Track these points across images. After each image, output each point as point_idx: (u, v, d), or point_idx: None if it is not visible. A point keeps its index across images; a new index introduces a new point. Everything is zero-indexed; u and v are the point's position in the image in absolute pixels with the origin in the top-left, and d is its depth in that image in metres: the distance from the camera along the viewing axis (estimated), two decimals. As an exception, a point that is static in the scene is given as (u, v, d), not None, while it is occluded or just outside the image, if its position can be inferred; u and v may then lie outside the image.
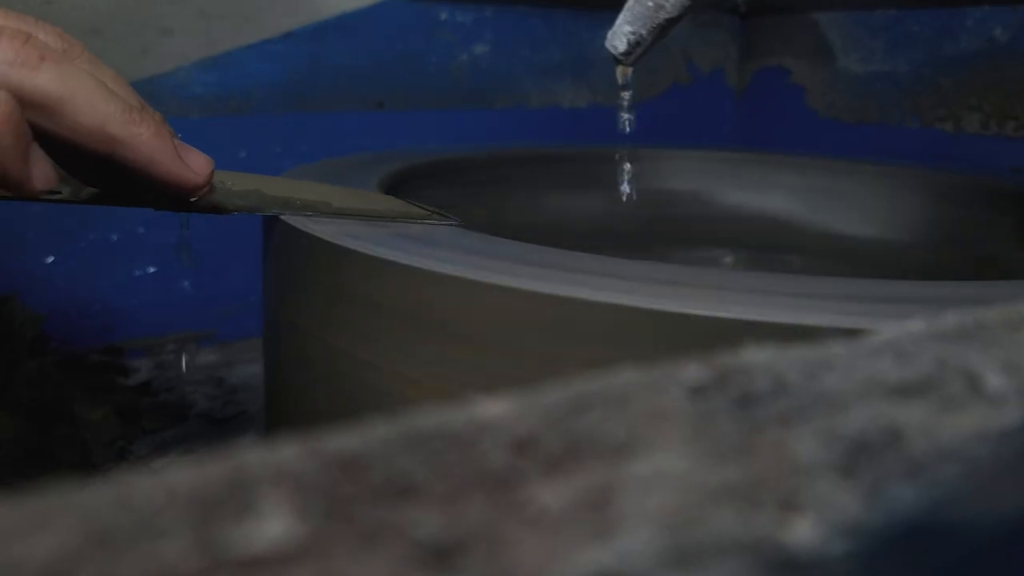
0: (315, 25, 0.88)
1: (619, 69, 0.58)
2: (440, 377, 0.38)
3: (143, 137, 0.42)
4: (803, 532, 0.13)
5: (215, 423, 0.70)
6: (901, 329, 0.20)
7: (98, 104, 0.41)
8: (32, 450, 0.62)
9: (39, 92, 0.39)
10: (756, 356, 0.18)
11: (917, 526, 0.14)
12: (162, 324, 0.85)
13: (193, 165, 0.44)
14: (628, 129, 0.60)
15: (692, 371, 0.17)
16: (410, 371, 0.39)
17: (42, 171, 0.40)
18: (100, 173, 0.44)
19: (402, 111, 0.94)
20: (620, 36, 0.56)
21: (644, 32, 0.55)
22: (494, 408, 0.16)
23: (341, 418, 0.43)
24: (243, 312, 0.88)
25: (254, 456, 0.14)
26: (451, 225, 0.50)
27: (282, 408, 0.50)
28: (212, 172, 0.45)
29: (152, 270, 0.84)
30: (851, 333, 0.20)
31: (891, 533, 0.13)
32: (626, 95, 0.60)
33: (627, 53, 0.57)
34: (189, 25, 0.78)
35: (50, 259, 0.79)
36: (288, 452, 0.14)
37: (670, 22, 0.56)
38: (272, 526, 0.12)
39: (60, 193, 0.43)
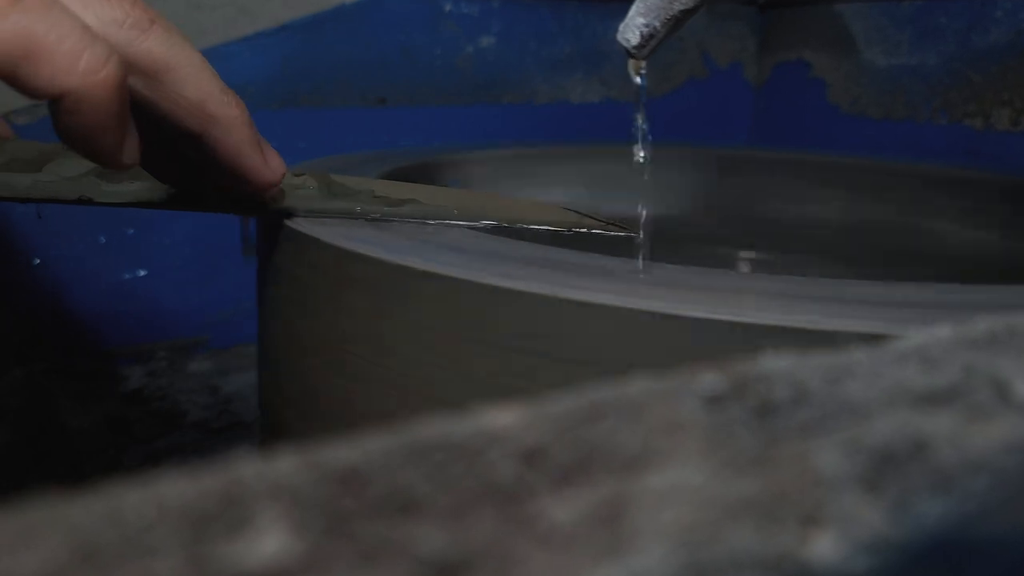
0: (312, 16, 0.88)
1: (631, 63, 0.58)
2: (451, 388, 0.38)
3: (237, 121, 0.42)
4: (825, 548, 0.13)
5: (209, 433, 0.70)
6: (927, 335, 0.20)
7: (202, 78, 0.40)
8: (18, 460, 0.62)
9: (148, 57, 0.39)
10: (775, 363, 0.18)
11: (945, 541, 0.14)
12: (153, 330, 0.86)
13: (270, 161, 0.44)
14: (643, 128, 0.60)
15: (708, 379, 0.17)
16: (418, 382, 0.39)
17: (132, 145, 0.38)
18: (172, 160, 0.44)
19: (405, 107, 0.94)
20: (633, 28, 0.56)
21: (658, 24, 0.55)
22: (501, 418, 0.16)
23: (340, 429, 0.43)
24: (237, 318, 0.88)
25: (249, 469, 0.14)
26: (631, 236, 0.50)
27: (278, 418, 0.50)
28: (284, 174, 0.45)
29: (143, 273, 0.84)
30: (875, 339, 0.20)
31: (917, 549, 0.13)
32: (637, 79, 0.60)
33: (640, 46, 0.57)
34: (180, 16, 0.78)
35: (36, 261, 0.79)
36: (285, 465, 0.14)
37: (685, 14, 0.56)
38: (268, 543, 0.12)
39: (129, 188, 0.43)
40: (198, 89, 0.40)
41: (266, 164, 0.43)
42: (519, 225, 0.49)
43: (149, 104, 0.39)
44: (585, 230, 0.50)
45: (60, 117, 0.35)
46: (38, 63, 0.34)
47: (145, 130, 0.40)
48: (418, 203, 0.49)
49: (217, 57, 0.82)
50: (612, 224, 0.51)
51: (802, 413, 0.16)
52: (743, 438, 0.15)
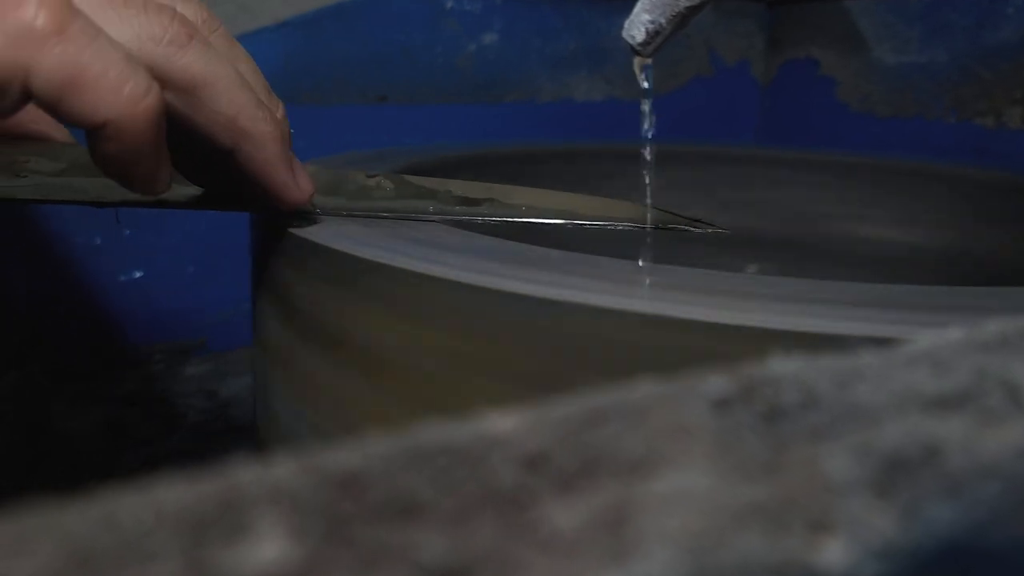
0: (313, 13, 0.88)
1: (636, 60, 0.58)
2: (453, 392, 0.38)
3: (269, 136, 0.42)
4: (834, 554, 0.13)
5: (207, 437, 0.70)
6: (938, 338, 0.20)
7: (235, 92, 0.41)
8: (13, 465, 0.62)
9: (184, 73, 0.39)
10: (784, 367, 0.18)
11: (956, 548, 0.14)
12: (150, 332, 0.86)
13: (300, 180, 0.44)
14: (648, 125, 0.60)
15: (715, 383, 0.17)
16: (420, 386, 0.39)
17: (166, 172, 0.40)
18: (201, 172, 0.45)
19: (405, 105, 0.94)
20: (638, 25, 0.56)
21: (663, 21, 0.55)
22: (503, 422, 0.16)
23: (340, 434, 0.43)
24: (236, 320, 0.88)
25: (248, 473, 0.14)
26: (719, 232, 0.50)
27: (276, 422, 0.50)
28: (313, 194, 0.45)
29: (139, 275, 0.84)
30: (885, 342, 0.20)
31: (928, 555, 0.13)
32: (643, 81, 0.60)
33: (645, 43, 0.57)
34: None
35: (32, 263, 0.79)
36: (284, 469, 0.14)
37: (691, 10, 0.56)
38: (267, 548, 0.12)
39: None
40: (231, 104, 0.40)
41: (295, 183, 0.44)
42: (599, 223, 0.49)
43: (184, 119, 0.40)
44: (667, 226, 0.50)
45: (99, 145, 0.36)
46: (82, 93, 0.35)
47: (179, 141, 0.40)
48: (497, 202, 0.49)
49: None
50: (695, 221, 0.51)
51: (811, 417, 0.16)
52: (750, 442, 0.15)
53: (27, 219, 0.78)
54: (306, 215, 0.47)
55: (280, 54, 0.87)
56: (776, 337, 0.31)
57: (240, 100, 0.41)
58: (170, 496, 0.13)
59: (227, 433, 0.72)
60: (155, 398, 0.78)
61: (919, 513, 0.14)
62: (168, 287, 0.86)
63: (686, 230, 0.50)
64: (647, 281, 0.37)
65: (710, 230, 0.50)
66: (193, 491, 0.13)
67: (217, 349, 0.89)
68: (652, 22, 0.56)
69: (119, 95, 0.35)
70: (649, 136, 0.56)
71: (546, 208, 0.50)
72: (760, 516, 0.13)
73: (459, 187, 0.50)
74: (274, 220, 0.47)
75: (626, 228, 0.50)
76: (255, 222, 0.51)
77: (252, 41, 0.84)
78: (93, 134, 0.36)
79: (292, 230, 0.45)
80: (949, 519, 0.14)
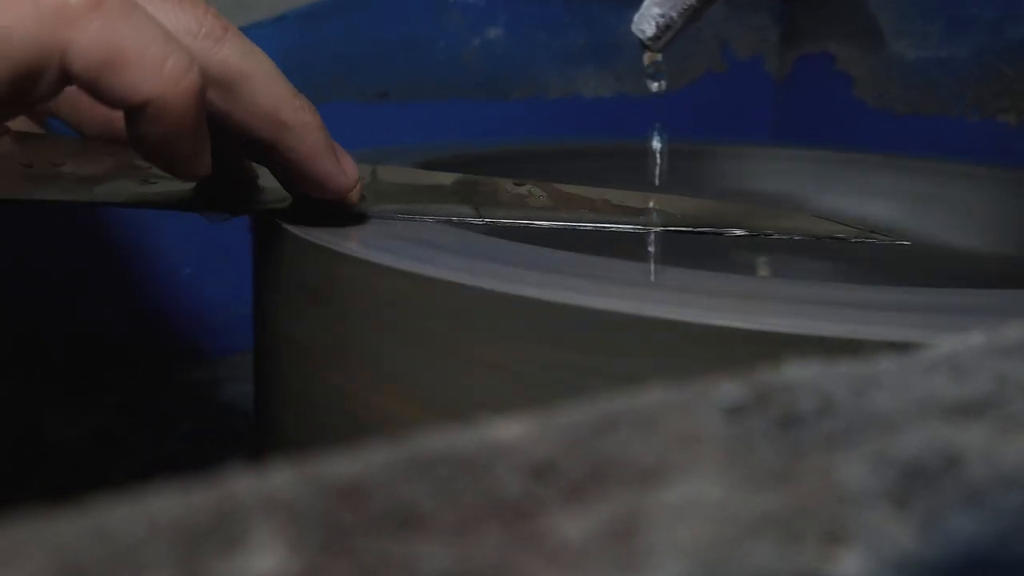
0: (310, 7, 0.88)
1: (647, 55, 0.58)
2: (457, 398, 0.38)
3: (310, 127, 0.42)
4: (850, 567, 0.13)
5: (201, 445, 0.70)
6: (958, 343, 0.20)
7: (275, 85, 0.41)
8: (1, 474, 0.62)
9: (222, 67, 0.39)
10: (799, 373, 0.18)
11: (977, 560, 0.14)
12: (143, 337, 0.85)
13: (345, 166, 0.44)
14: (657, 86, 0.60)
15: (728, 389, 0.17)
16: (422, 392, 0.39)
17: (207, 155, 0.40)
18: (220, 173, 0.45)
19: (407, 102, 0.94)
20: (648, 19, 0.56)
21: (674, 15, 0.55)
22: (509, 430, 0.16)
23: (340, 442, 0.43)
24: (231, 325, 0.88)
25: (244, 483, 0.14)
26: (901, 244, 0.49)
27: (274, 431, 0.50)
28: (358, 179, 0.45)
29: (132, 277, 0.84)
30: (903, 347, 0.20)
31: (948, 568, 0.13)
32: (653, 85, 0.60)
33: (656, 38, 0.57)
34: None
35: (18, 259, 0.79)
36: (281, 478, 0.14)
37: (703, 3, 0.56)
38: (263, 560, 0.12)
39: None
40: (271, 96, 0.41)
41: (341, 170, 0.44)
42: (770, 234, 0.49)
43: (223, 115, 0.40)
44: (841, 238, 0.49)
45: (139, 126, 0.36)
46: (122, 71, 0.34)
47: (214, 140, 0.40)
48: (662, 212, 0.49)
49: (210, 50, 0.82)
50: (871, 232, 0.50)
51: (826, 425, 0.16)
52: (764, 451, 0.15)
53: (13, 223, 0.78)
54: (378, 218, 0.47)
55: (277, 49, 0.86)
56: (791, 342, 0.31)
57: (279, 92, 0.41)
58: (163, 506, 0.13)
59: (222, 441, 0.72)
60: (148, 405, 0.78)
61: (938, 524, 0.14)
62: (163, 290, 0.86)
63: (862, 242, 0.49)
64: (657, 284, 0.37)
65: (888, 241, 0.49)
66: (187, 501, 0.13)
67: (213, 354, 0.88)
68: (663, 16, 0.56)
69: (160, 72, 0.35)
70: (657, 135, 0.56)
71: (714, 218, 0.49)
72: (773, 527, 0.13)
73: (617, 196, 0.49)
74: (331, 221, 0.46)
75: (795, 239, 0.49)
76: (256, 222, 0.51)
77: (249, 36, 0.84)
78: (133, 115, 0.36)
79: (296, 232, 0.45)
80: (970, 530, 0.14)
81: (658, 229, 0.48)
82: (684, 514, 0.13)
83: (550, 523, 0.13)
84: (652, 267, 0.41)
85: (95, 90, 0.35)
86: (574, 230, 0.47)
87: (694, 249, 0.51)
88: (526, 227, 0.47)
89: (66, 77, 0.35)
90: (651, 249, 0.50)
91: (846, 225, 0.50)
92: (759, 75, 1.16)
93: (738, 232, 0.48)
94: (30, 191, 0.45)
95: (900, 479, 0.15)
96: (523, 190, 0.49)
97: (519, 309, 0.35)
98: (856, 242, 0.49)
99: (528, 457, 0.15)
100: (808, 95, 1.12)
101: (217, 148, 0.41)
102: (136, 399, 0.79)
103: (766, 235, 0.48)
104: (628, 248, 0.45)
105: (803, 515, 0.14)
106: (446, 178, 0.52)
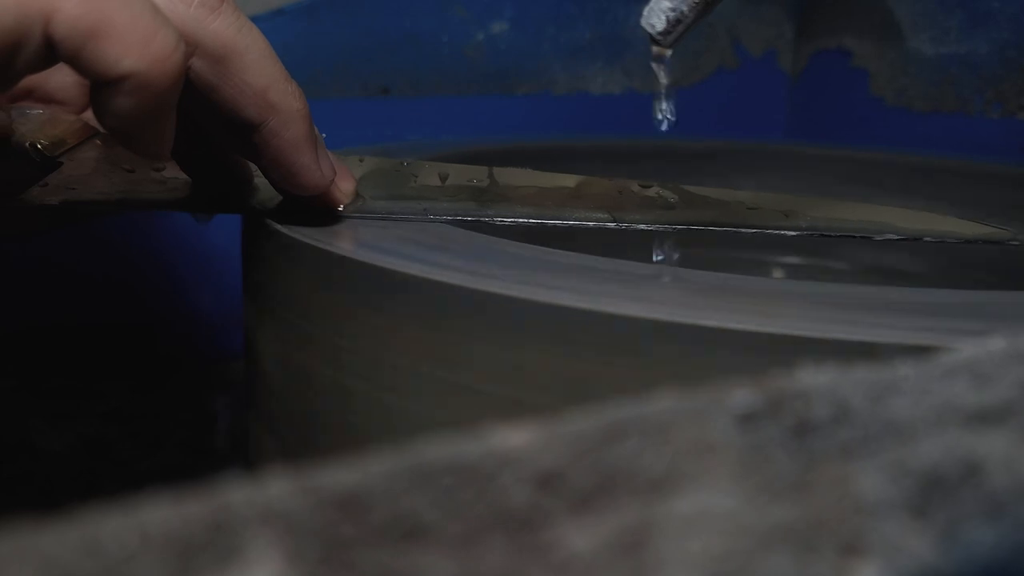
0: (310, 0, 0.88)
1: (656, 51, 0.58)
2: (460, 405, 0.38)
3: (297, 113, 0.42)
4: (868, 580, 0.13)
5: (194, 454, 0.70)
6: (979, 348, 0.20)
7: (267, 64, 0.41)
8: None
9: (215, 39, 0.39)
10: (814, 379, 0.18)
11: (997, 573, 0.14)
12: (134, 344, 0.85)
13: (323, 164, 0.44)
14: (666, 123, 0.60)
15: (741, 396, 0.17)
16: (424, 399, 0.39)
17: (171, 136, 0.39)
18: (201, 160, 0.45)
19: (410, 98, 0.94)
20: (658, 13, 0.56)
21: (685, 9, 0.55)
22: (515, 438, 0.16)
23: (339, 451, 0.43)
24: (224, 330, 0.88)
25: (239, 493, 0.14)
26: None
27: (271, 439, 0.50)
28: (332, 180, 0.45)
29: (122, 282, 0.84)
30: (922, 352, 0.20)
31: (969, 582, 0.13)
32: (663, 81, 0.60)
33: (666, 33, 0.56)
34: (167, 2, 0.78)
35: (7, 266, 0.79)
36: (278, 489, 0.14)
37: (715, -3, 0.56)
38: (260, 572, 0.12)
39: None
40: (262, 75, 0.40)
41: (318, 166, 0.43)
42: (920, 238, 0.49)
43: (211, 89, 0.40)
44: (982, 239, 0.49)
45: (114, 99, 0.36)
46: (106, 43, 0.34)
47: (190, 124, 0.40)
48: (806, 216, 0.48)
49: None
50: (1018, 234, 0.50)
51: (843, 433, 0.16)
52: (779, 460, 0.15)
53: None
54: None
55: (276, 44, 0.86)
56: (806, 346, 0.31)
57: (271, 72, 0.41)
58: (156, 518, 0.13)
59: (216, 450, 0.72)
60: (139, 414, 0.78)
61: (958, 535, 0.14)
62: (152, 296, 0.86)
63: (1005, 243, 0.49)
64: (666, 285, 0.37)
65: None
66: (180, 512, 0.13)
67: (205, 361, 0.88)
68: (673, 10, 0.56)
69: (147, 48, 0.35)
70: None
71: (859, 224, 0.49)
72: (788, 539, 0.13)
73: (751, 199, 0.49)
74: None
75: (936, 241, 0.49)
76: (247, 224, 0.51)
77: (245, 30, 0.84)
78: (107, 87, 0.35)
79: (288, 232, 0.44)
80: (990, 542, 0.14)
81: (807, 233, 0.48)
82: (696, 525, 0.13)
83: (557, 535, 0.13)
84: (661, 268, 0.41)
85: (76, 60, 0.35)
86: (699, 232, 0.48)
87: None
88: (566, 228, 0.47)
89: (50, 45, 0.34)
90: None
91: (993, 227, 0.50)
92: (773, 71, 1.15)
93: (892, 236, 0.48)
94: (144, 196, 0.45)
95: (918, 489, 0.15)
96: (651, 192, 0.48)
97: (519, 311, 0.35)
98: (1015, 245, 0.49)
99: (535, 466, 0.15)
100: (824, 92, 1.12)
101: (213, 148, 0.41)
102: (128, 407, 0.79)
103: (916, 239, 0.48)
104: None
105: (819, 526, 0.14)
106: (570, 180, 0.51)
